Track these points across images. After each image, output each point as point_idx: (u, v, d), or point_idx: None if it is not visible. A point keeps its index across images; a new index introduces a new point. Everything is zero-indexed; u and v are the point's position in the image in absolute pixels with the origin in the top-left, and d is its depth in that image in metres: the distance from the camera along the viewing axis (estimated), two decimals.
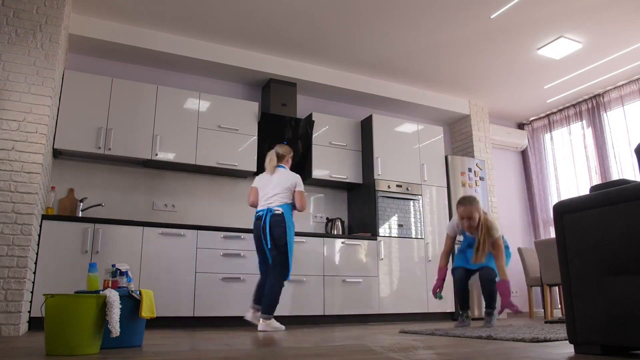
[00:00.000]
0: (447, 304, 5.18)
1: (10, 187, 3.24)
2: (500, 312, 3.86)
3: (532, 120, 6.95)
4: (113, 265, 2.58)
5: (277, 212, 3.68)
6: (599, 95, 6.02)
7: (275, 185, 3.77)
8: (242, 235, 4.33)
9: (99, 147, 4.18)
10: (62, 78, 4.16)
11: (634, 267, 1.58)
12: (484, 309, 4.51)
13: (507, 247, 3.97)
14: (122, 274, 2.55)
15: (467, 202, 3.87)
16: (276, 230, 3.64)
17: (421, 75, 5.62)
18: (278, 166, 3.88)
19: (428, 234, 5.31)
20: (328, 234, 4.85)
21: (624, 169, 5.55)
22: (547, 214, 6.54)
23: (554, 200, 6.48)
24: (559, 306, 5.95)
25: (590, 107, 6.10)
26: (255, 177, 4.01)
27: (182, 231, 4.11)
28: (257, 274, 4.31)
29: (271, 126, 4.96)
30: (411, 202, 5.30)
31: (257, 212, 3.80)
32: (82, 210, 4.21)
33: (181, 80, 5.04)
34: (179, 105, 4.60)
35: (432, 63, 5.34)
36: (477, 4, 4.25)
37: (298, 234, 4.59)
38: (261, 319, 3.57)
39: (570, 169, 6.31)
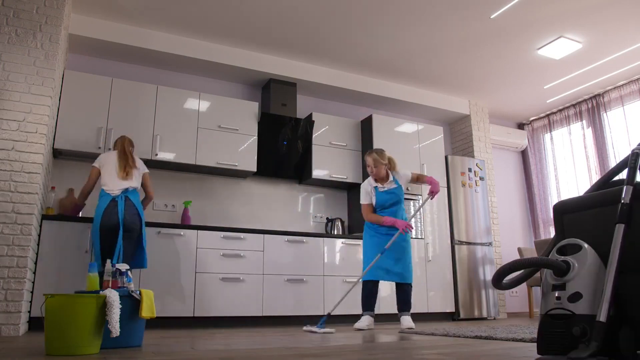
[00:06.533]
0: (448, 304, 5.18)
1: (10, 187, 3.23)
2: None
3: (532, 120, 6.95)
4: (113, 265, 2.58)
5: None
6: (599, 95, 6.02)
7: None
8: (242, 235, 4.32)
9: (99, 147, 4.18)
10: (62, 78, 4.16)
11: (634, 267, 1.58)
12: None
13: None
14: (122, 274, 2.55)
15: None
16: None
17: (421, 75, 5.62)
18: None
19: (428, 234, 5.31)
20: (328, 234, 4.85)
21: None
22: (547, 214, 6.54)
23: (554, 200, 6.48)
24: None
25: (590, 107, 6.10)
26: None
27: (182, 231, 4.11)
28: (256, 274, 4.32)
29: (271, 126, 4.96)
30: (411, 202, 5.30)
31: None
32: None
33: (181, 80, 5.04)
34: (179, 105, 4.60)
35: (432, 63, 5.34)
36: (477, 4, 4.25)
37: (299, 234, 4.60)
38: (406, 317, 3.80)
39: (570, 169, 6.31)
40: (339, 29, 4.65)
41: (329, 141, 5.22)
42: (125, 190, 3.57)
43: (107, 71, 4.69)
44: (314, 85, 5.38)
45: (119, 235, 3.43)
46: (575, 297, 1.57)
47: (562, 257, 1.66)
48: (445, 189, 5.58)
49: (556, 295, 1.62)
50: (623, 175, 1.72)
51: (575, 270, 1.61)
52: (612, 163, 5.69)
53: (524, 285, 6.19)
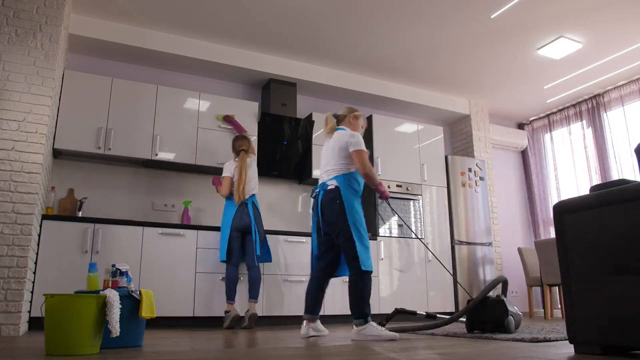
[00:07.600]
0: (448, 304, 5.18)
1: (10, 187, 3.23)
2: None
3: (532, 120, 6.95)
4: (113, 265, 2.58)
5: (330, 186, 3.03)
6: (599, 95, 6.02)
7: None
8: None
9: (99, 147, 4.18)
10: (62, 78, 4.16)
11: (634, 267, 1.58)
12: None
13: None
14: (122, 274, 2.55)
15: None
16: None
17: (421, 75, 5.62)
18: (337, 128, 3.27)
19: (428, 234, 5.31)
20: None
21: (624, 169, 5.55)
22: (547, 214, 6.54)
23: (554, 200, 6.48)
24: (559, 306, 5.95)
25: (590, 107, 6.10)
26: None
27: (182, 231, 4.11)
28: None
29: (271, 126, 4.96)
30: (411, 202, 5.30)
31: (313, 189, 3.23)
32: (78, 210, 4.20)
33: (181, 80, 5.04)
34: (179, 105, 4.60)
35: (432, 63, 5.34)
36: (477, 4, 4.25)
37: (299, 234, 4.59)
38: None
39: (570, 169, 6.31)
40: (339, 29, 4.65)
41: None
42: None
43: (107, 71, 4.69)
44: (314, 85, 5.38)
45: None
46: None
47: None
48: (446, 189, 5.59)
49: None
50: (623, 175, 1.73)
51: None
52: (612, 163, 5.68)
53: (524, 285, 6.19)
